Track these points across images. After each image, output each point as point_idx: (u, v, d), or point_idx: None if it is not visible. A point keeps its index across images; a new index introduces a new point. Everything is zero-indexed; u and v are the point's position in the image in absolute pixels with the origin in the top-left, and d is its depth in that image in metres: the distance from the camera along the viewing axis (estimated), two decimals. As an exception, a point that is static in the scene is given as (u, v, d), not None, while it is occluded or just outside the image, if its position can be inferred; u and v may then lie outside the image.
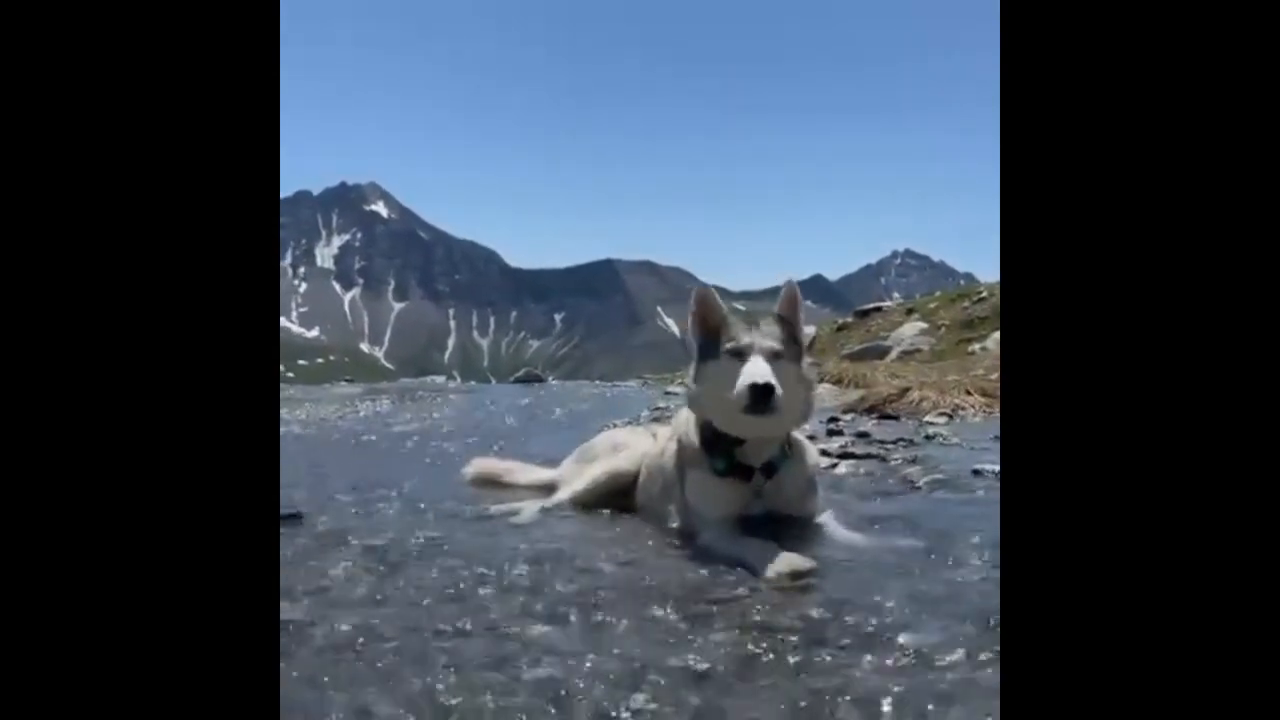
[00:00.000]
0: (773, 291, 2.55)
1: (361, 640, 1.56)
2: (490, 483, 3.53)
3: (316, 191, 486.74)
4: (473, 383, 27.78)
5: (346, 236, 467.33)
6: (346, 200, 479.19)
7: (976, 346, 11.49)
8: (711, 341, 2.35)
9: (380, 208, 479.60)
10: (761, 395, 2.17)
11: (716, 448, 2.36)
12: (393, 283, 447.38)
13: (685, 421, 2.50)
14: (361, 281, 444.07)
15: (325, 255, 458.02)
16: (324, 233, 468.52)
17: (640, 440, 3.00)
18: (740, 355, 2.26)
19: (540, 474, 3.41)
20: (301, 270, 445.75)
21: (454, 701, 1.29)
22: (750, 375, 2.18)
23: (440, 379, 20.09)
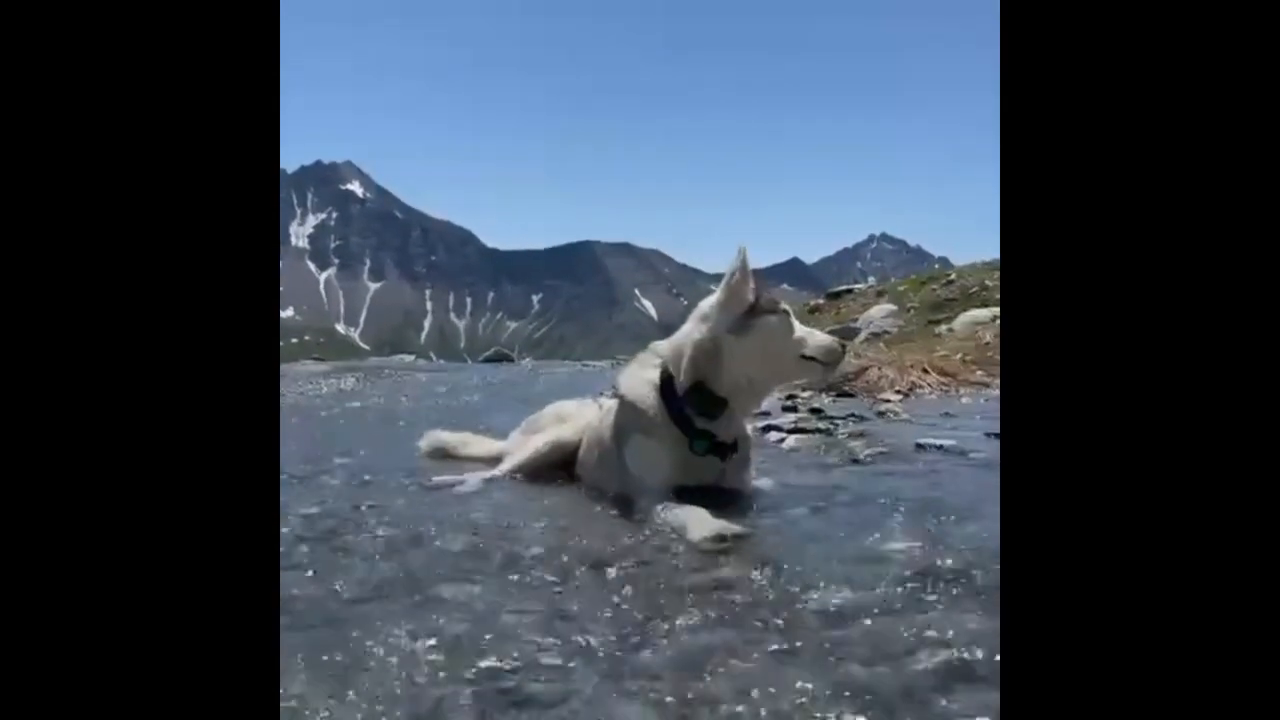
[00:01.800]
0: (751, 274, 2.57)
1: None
2: (444, 455, 3.53)
3: (291, 169, 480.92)
4: (442, 361, 27.71)
5: (322, 215, 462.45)
6: (322, 179, 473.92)
7: (943, 328, 11.59)
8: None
9: (356, 187, 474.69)
10: (843, 355, 2.48)
11: (687, 425, 2.37)
12: (368, 263, 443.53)
13: (641, 389, 2.47)
14: (337, 261, 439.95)
15: (300, 234, 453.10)
16: (299, 211, 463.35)
17: (586, 411, 3.02)
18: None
19: (492, 446, 3.42)
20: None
21: (359, 658, 1.30)
22: (828, 337, 2.45)
23: (409, 358, 19.92)
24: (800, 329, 2.43)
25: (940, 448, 3.24)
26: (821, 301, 18.99)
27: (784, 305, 2.45)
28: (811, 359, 2.40)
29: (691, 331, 2.45)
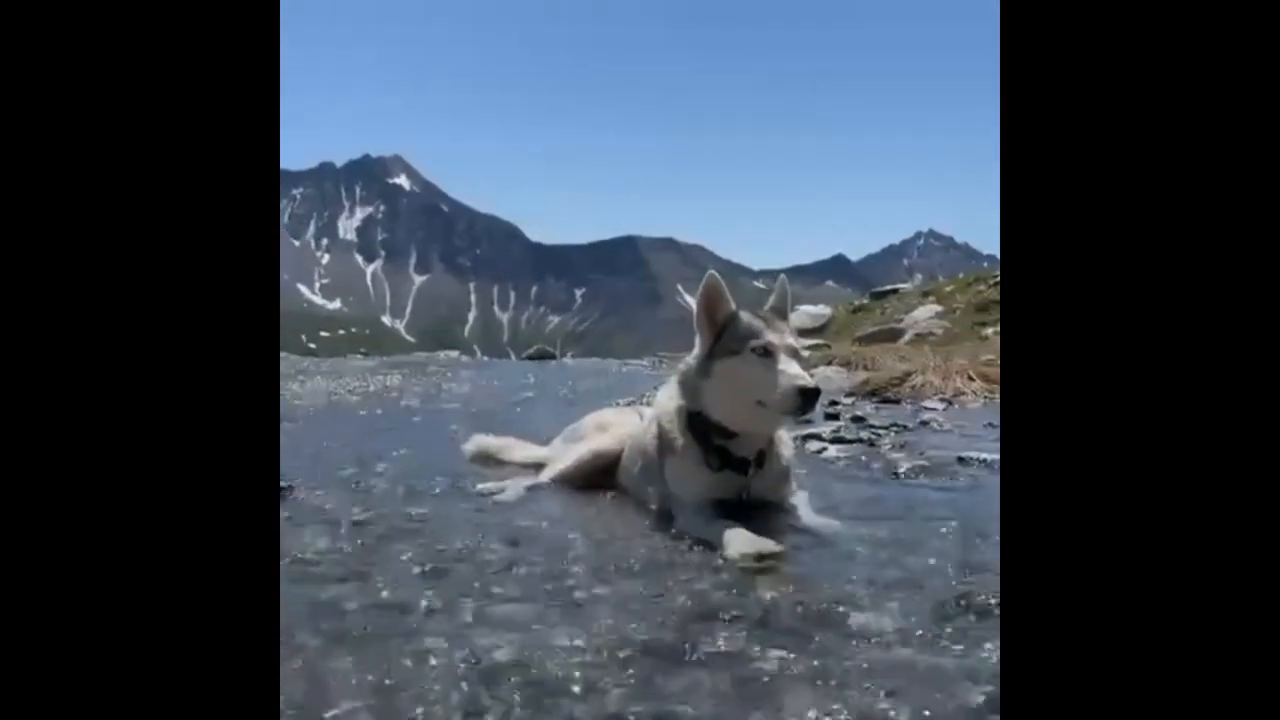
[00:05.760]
0: (795, 270, 2.55)
1: (327, 614, 1.62)
2: (488, 459, 3.59)
3: (340, 164, 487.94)
4: (485, 358, 27.98)
5: (369, 209, 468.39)
6: (370, 173, 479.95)
7: (990, 330, 11.43)
8: (719, 336, 2.37)
9: (403, 180, 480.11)
10: (812, 399, 2.22)
11: (708, 442, 2.40)
12: (414, 256, 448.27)
13: (668, 411, 2.53)
14: (384, 254, 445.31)
15: (348, 227, 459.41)
16: (347, 205, 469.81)
17: (626, 420, 3.06)
18: (768, 354, 2.27)
19: (535, 451, 3.46)
20: (324, 242, 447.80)
21: (409, 677, 1.34)
22: (797, 378, 2.21)
23: (454, 354, 20.21)
24: (781, 364, 2.24)
25: (983, 462, 3.21)
26: (866, 301, 18.82)
27: (757, 341, 2.28)
28: (763, 405, 2.25)
29: (685, 360, 2.51)
